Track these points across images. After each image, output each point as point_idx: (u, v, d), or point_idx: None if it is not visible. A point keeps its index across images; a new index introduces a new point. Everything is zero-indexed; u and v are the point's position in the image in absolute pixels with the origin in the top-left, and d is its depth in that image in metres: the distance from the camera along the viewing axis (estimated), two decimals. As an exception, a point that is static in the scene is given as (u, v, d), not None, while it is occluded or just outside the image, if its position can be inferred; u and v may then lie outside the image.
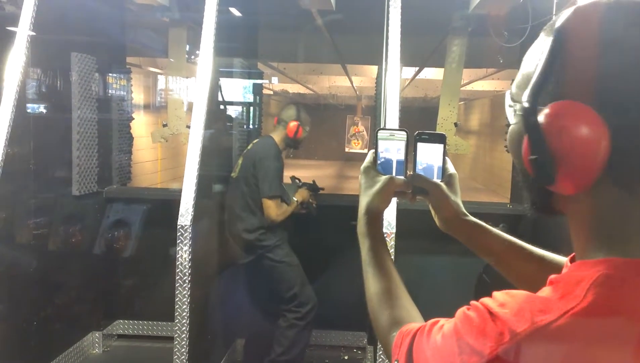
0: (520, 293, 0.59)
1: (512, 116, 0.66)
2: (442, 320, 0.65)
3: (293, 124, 3.20)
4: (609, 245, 0.58)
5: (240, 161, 3.21)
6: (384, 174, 0.93)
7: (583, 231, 0.61)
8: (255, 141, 3.32)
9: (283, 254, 3.13)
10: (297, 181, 3.37)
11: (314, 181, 3.46)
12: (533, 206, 0.68)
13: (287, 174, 3.37)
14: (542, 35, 0.64)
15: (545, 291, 0.58)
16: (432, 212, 0.97)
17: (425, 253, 3.11)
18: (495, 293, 0.60)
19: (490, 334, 0.56)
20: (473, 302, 0.61)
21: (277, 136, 3.22)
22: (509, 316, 0.56)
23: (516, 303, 0.57)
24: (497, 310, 0.57)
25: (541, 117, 0.57)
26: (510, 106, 0.67)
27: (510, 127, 0.66)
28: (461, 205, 0.94)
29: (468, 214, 0.95)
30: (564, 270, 0.62)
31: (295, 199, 3.17)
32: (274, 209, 3.02)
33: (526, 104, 0.58)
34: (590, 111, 0.55)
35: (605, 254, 0.57)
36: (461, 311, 0.62)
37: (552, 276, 0.60)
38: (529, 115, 0.58)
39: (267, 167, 3.06)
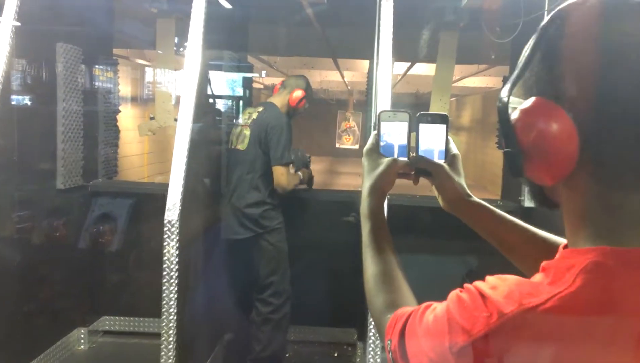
0: (512, 277, 0.61)
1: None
2: (435, 303, 0.67)
3: (299, 92, 3.17)
4: (597, 234, 0.60)
5: (247, 133, 3.11)
6: (387, 156, 0.92)
7: (573, 221, 0.64)
8: (258, 109, 3.19)
9: (279, 238, 3.10)
10: (306, 156, 3.38)
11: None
12: (533, 199, 0.70)
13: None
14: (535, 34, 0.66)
15: (537, 277, 0.60)
16: (436, 193, 0.97)
17: (412, 249, 3.10)
18: (488, 277, 0.62)
19: (480, 314, 0.58)
20: (466, 285, 0.63)
21: (279, 102, 3.18)
22: (499, 298, 0.58)
23: (507, 286, 0.59)
24: (488, 292, 0.60)
25: (514, 114, 0.61)
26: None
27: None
28: (465, 186, 0.94)
29: (472, 195, 0.95)
30: (557, 257, 0.64)
31: (299, 174, 3.20)
32: (286, 177, 3.00)
33: (501, 101, 0.62)
34: (558, 109, 0.58)
35: (594, 243, 0.60)
36: (454, 293, 0.64)
37: (544, 263, 0.62)
38: (503, 111, 0.62)
39: (280, 135, 3.02)
